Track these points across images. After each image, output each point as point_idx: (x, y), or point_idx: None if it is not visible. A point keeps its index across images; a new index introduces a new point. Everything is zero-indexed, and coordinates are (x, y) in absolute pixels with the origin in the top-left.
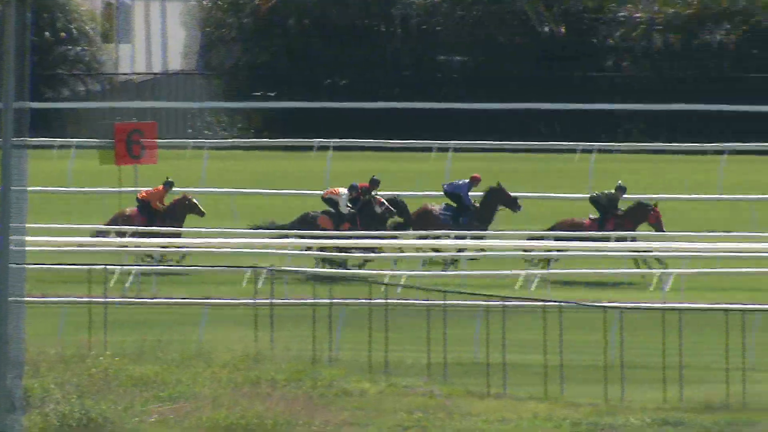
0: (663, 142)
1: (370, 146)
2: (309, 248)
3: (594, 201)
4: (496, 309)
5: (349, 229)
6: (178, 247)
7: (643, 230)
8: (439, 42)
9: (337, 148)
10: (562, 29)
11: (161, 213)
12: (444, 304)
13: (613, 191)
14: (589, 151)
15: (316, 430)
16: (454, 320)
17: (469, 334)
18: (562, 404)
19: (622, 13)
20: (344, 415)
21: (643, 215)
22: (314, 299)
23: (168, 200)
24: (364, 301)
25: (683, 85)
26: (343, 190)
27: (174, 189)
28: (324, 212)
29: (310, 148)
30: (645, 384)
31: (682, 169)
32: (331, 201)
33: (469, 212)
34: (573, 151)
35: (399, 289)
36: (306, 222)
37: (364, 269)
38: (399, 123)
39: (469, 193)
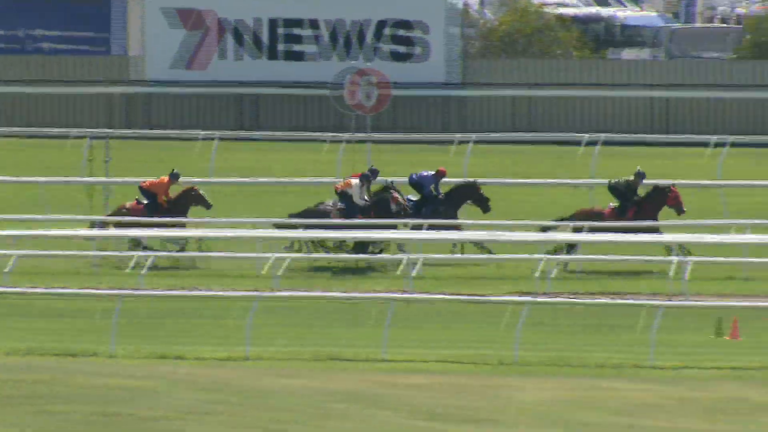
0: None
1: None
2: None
3: (612, 189)
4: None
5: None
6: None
7: (664, 215)
8: None
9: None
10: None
11: (164, 206)
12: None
13: (631, 178)
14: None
15: None
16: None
17: None
18: None
19: None
20: None
21: (662, 198)
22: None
23: (173, 192)
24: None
25: None
26: (356, 181)
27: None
28: (338, 208)
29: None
30: None
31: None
32: (345, 194)
33: (432, 203)
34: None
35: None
36: (319, 213)
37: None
38: None
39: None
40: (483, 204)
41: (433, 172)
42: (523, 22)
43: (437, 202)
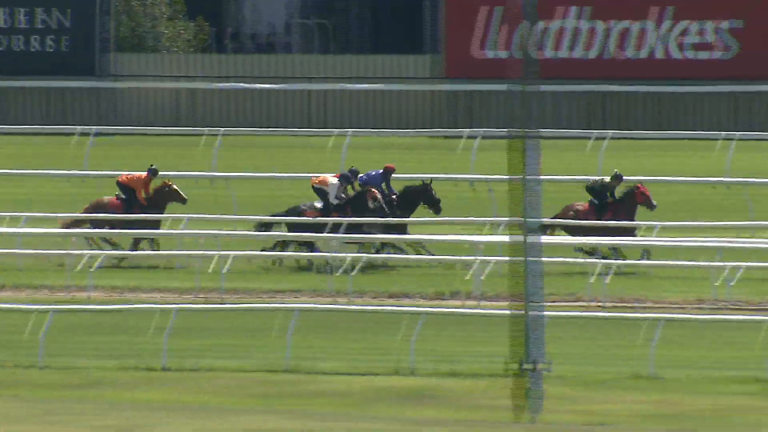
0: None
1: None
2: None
3: (590, 189)
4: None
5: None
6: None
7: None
8: None
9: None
10: None
11: (143, 203)
12: None
13: (608, 179)
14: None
15: None
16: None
17: None
18: None
19: None
20: None
21: (632, 198)
22: None
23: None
24: None
25: None
26: (334, 180)
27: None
28: (311, 206)
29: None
30: None
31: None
32: (321, 191)
33: (385, 202)
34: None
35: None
36: (295, 214)
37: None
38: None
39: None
40: (435, 206)
41: (380, 171)
42: None
43: (390, 201)
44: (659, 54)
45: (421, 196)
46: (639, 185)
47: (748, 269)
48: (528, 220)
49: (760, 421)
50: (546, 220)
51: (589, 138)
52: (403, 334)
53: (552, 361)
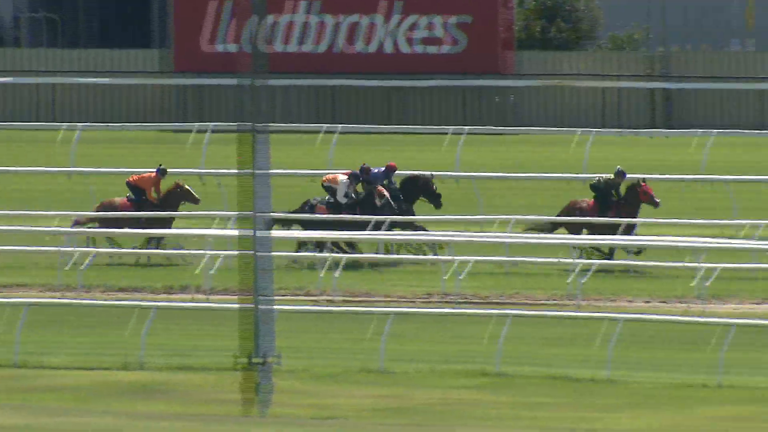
0: None
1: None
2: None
3: (594, 188)
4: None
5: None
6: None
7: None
8: None
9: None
10: None
11: (154, 203)
12: None
13: (611, 176)
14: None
15: None
16: None
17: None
18: None
19: None
20: None
21: (635, 196)
22: None
23: (162, 187)
24: None
25: None
26: (343, 178)
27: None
28: (323, 201)
29: None
30: None
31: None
32: (330, 189)
33: (392, 197)
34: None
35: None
36: (306, 209)
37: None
38: None
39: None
40: (435, 200)
41: (383, 169)
42: None
43: (397, 199)
44: (388, 48)
45: (421, 190)
46: (642, 182)
47: (477, 263)
48: (257, 214)
49: (488, 414)
50: (549, 218)
51: (319, 132)
52: (133, 328)
53: (282, 354)
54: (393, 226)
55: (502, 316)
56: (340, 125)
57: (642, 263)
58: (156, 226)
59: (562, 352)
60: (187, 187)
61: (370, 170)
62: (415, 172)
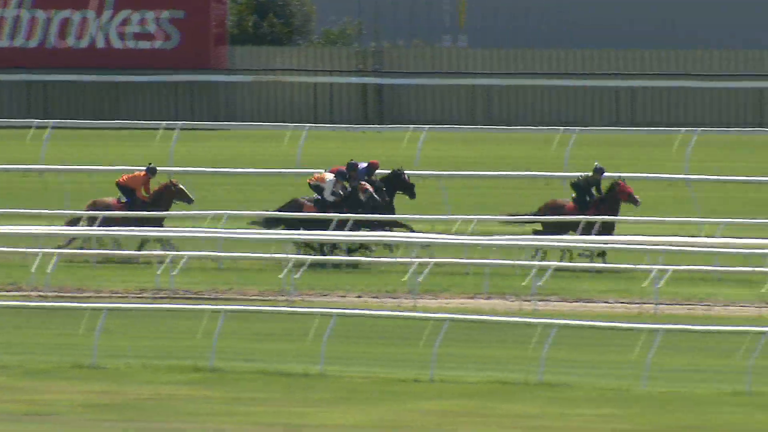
0: None
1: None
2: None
3: (574, 186)
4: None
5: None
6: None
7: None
8: None
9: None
10: None
11: (145, 202)
12: None
13: (590, 174)
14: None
15: None
16: None
17: None
18: None
19: None
20: None
21: (615, 195)
22: None
23: (152, 187)
24: None
25: None
26: (330, 177)
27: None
28: (311, 200)
29: None
30: None
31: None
32: (317, 188)
33: (375, 191)
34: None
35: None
36: (294, 208)
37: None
38: None
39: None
40: (410, 191)
41: (365, 165)
42: None
43: (380, 192)
44: (100, 43)
45: (398, 184)
46: (621, 182)
47: (192, 259)
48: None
49: (201, 409)
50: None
51: (31, 127)
52: None
53: None
54: (364, 226)
55: (215, 312)
56: (53, 121)
57: (355, 259)
58: (148, 226)
59: (275, 347)
60: (181, 186)
61: (357, 166)
62: (396, 169)
